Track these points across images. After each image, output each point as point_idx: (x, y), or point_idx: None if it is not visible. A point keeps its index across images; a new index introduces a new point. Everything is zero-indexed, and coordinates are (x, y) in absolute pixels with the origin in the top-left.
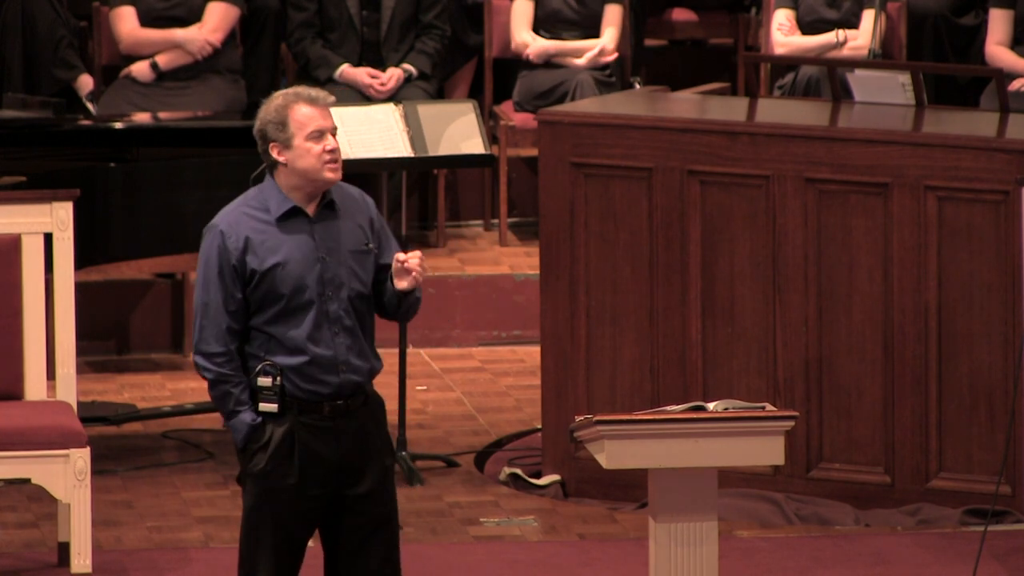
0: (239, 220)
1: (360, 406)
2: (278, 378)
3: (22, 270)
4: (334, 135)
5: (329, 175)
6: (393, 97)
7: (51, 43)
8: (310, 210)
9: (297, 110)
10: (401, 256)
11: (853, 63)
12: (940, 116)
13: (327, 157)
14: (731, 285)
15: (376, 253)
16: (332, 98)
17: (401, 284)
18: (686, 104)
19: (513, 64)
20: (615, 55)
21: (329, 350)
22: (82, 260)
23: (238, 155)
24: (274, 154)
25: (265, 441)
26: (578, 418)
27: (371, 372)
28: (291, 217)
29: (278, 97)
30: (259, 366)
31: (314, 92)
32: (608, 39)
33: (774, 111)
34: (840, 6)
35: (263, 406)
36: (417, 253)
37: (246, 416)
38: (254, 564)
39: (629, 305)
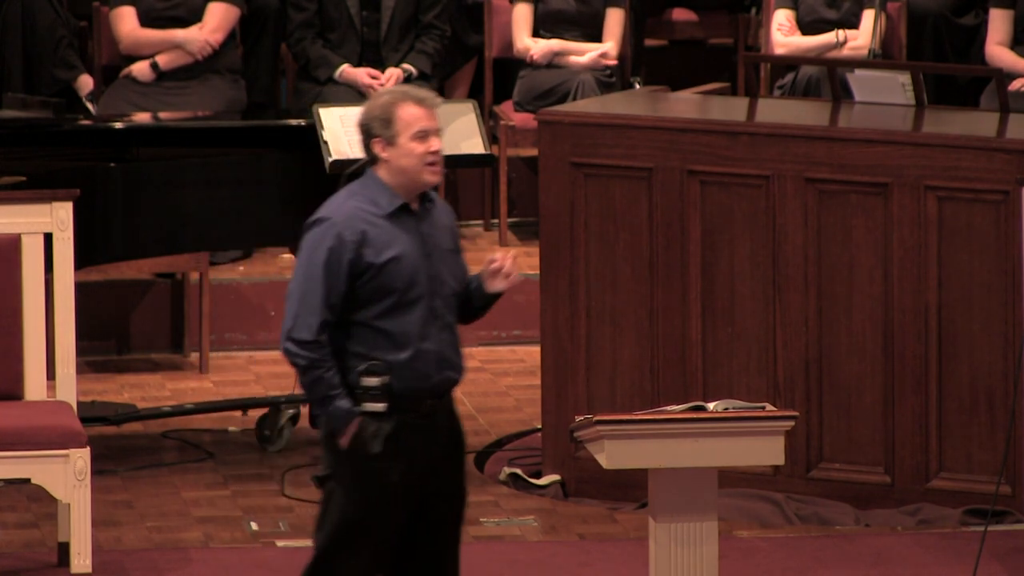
0: (353, 213)
1: (450, 404)
2: (385, 377)
3: (22, 270)
4: (438, 137)
5: (429, 177)
6: None
7: (51, 43)
8: (415, 206)
9: (404, 109)
10: (498, 257)
11: (853, 63)
12: (940, 116)
13: (430, 158)
14: (731, 285)
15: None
16: (440, 100)
17: (497, 286)
18: (686, 104)
19: (513, 64)
20: (615, 62)
21: (435, 346)
22: (82, 260)
23: (238, 155)
24: (377, 150)
25: (368, 440)
26: (578, 418)
27: (463, 371)
28: (400, 213)
29: (385, 94)
30: (365, 365)
31: (423, 93)
32: (610, 46)
33: (774, 111)
34: (840, 6)
35: (369, 406)
36: (511, 255)
37: (343, 403)
38: (341, 566)
39: (629, 305)
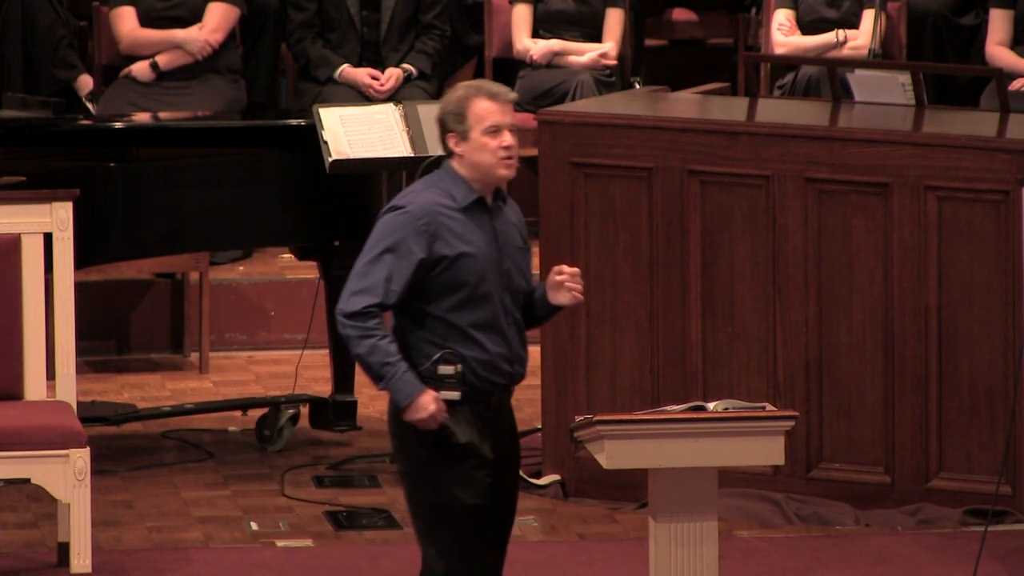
0: (428, 205)
1: (508, 396)
2: (459, 366)
3: (22, 270)
4: (512, 132)
5: (503, 171)
6: (393, 97)
7: (51, 43)
8: (489, 200)
9: (477, 103)
10: (564, 269)
11: (853, 63)
12: (940, 116)
13: (503, 153)
14: (731, 285)
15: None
16: (514, 95)
17: (560, 299)
18: (686, 104)
19: (513, 64)
20: (615, 62)
21: (505, 341)
22: (82, 260)
23: (238, 155)
24: (451, 144)
25: (448, 430)
26: (578, 418)
27: (526, 366)
28: (475, 208)
29: (460, 88)
30: (439, 354)
31: (496, 87)
32: (610, 46)
33: (774, 111)
34: (840, 6)
35: (444, 394)
36: (576, 270)
37: (406, 373)
38: (454, 554)
39: (629, 305)
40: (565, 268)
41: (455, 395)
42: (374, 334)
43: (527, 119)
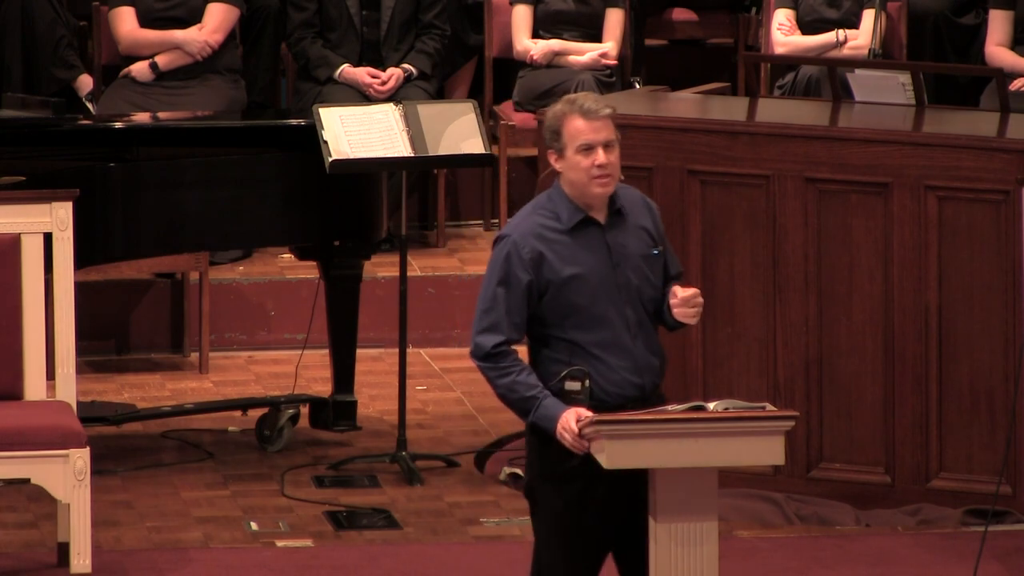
0: (532, 231)
1: (654, 407)
2: (586, 381)
3: (22, 270)
4: (607, 149)
5: (596, 189)
6: (393, 97)
7: (51, 43)
8: (600, 217)
9: (570, 122)
10: (681, 294)
11: (853, 63)
12: (940, 116)
13: (595, 172)
14: (731, 285)
15: (664, 258)
16: (608, 110)
17: (686, 319)
18: (686, 104)
19: (513, 64)
20: (615, 62)
21: (631, 355)
22: (82, 260)
23: (238, 155)
24: (552, 161)
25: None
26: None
27: (659, 375)
28: (583, 227)
29: (560, 103)
30: (566, 371)
31: (590, 104)
32: (610, 46)
33: (774, 111)
34: (840, 6)
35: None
36: (695, 291)
37: (542, 396)
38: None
39: None
40: (678, 292)
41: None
42: (510, 371)
43: (527, 119)
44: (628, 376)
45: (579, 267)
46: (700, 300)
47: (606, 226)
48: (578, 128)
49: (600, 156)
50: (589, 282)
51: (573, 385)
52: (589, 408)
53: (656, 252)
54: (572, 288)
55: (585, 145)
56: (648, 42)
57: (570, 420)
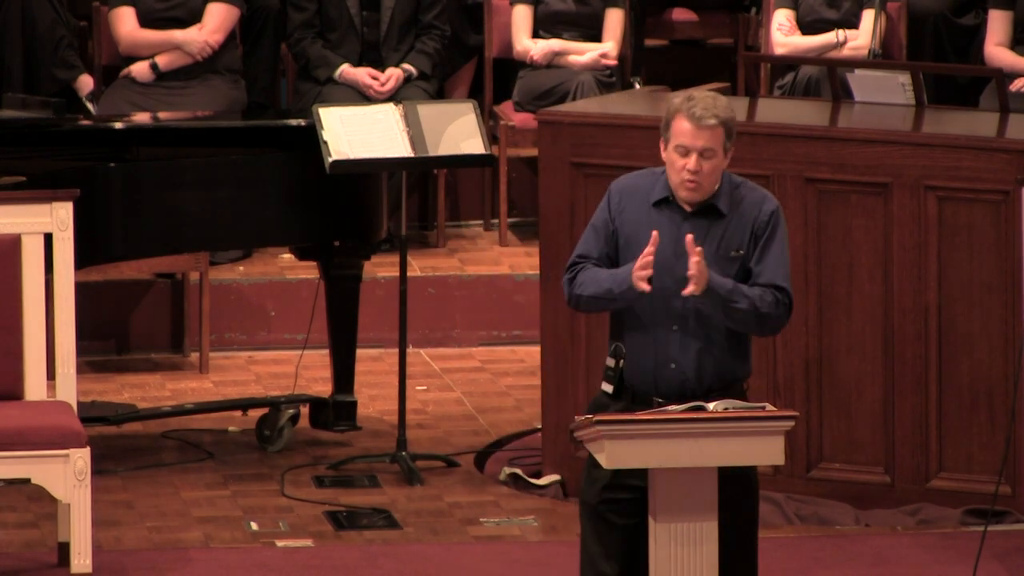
0: (631, 189)
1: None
2: (621, 361)
3: (22, 270)
4: (704, 156)
5: (683, 192)
6: (393, 97)
7: (51, 43)
8: (687, 206)
9: (679, 120)
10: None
11: (853, 63)
12: (940, 116)
13: (685, 175)
14: None
15: (744, 260)
16: (715, 121)
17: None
18: None
19: (513, 64)
20: (615, 62)
21: (661, 345)
22: (82, 260)
23: (238, 155)
24: (661, 147)
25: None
26: (578, 418)
27: (712, 375)
28: (665, 205)
29: (678, 96)
30: (614, 345)
31: (699, 109)
32: (610, 46)
33: (774, 111)
34: (840, 6)
35: (603, 385)
36: (691, 256)
37: (605, 272)
38: (586, 548)
39: None
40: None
41: (608, 388)
42: (580, 271)
43: (527, 119)
44: (650, 367)
45: (645, 236)
46: (695, 266)
47: (691, 214)
48: (682, 129)
49: (692, 162)
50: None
51: (609, 361)
52: (614, 388)
53: (735, 255)
54: (633, 251)
55: (683, 147)
56: (648, 42)
57: (632, 273)
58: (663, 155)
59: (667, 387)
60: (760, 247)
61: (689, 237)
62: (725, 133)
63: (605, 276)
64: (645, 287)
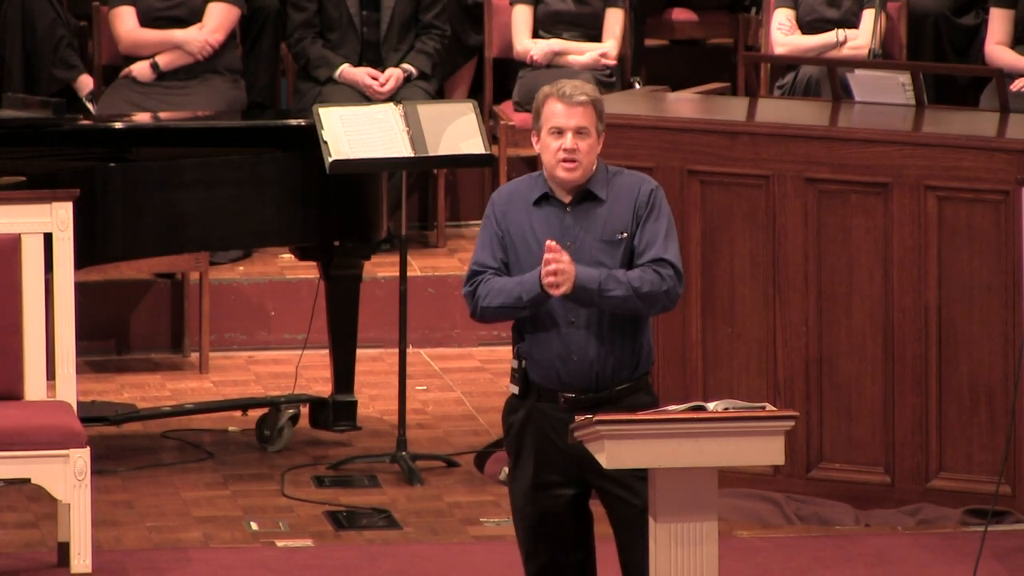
0: (510, 194)
1: (604, 402)
2: (523, 361)
3: (22, 270)
4: (578, 135)
5: (561, 173)
6: (393, 97)
7: (51, 43)
8: (566, 198)
9: (549, 104)
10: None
11: (853, 63)
12: (940, 116)
13: (561, 155)
14: (731, 285)
15: (631, 241)
16: (586, 97)
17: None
18: (686, 104)
19: (513, 64)
20: (615, 62)
21: (560, 340)
22: (82, 260)
23: (238, 155)
24: (533, 141)
25: (509, 425)
26: (578, 418)
27: (615, 364)
28: (544, 203)
29: (547, 86)
30: (515, 347)
31: (569, 88)
32: (610, 46)
33: (774, 111)
34: (840, 6)
35: (510, 387)
36: (559, 257)
37: (502, 279)
38: (521, 549)
39: None
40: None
41: (515, 389)
42: (480, 283)
43: (527, 119)
44: (554, 363)
45: (530, 235)
46: (559, 267)
47: (570, 206)
48: (553, 111)
49: (568, 141)
50: (534, 253)
51: (514, 363)
52: (520, 387)
53: (620, 238)
54: (518, 256)
55: (556, 128)
56: (648, 42)
57: (539, 274)
58: (536, 146)
59: (571, 380)
60: (641, 225)
61: (549, 242)
62: (596, 113)
63: (512, 285)
64: (557, 292)
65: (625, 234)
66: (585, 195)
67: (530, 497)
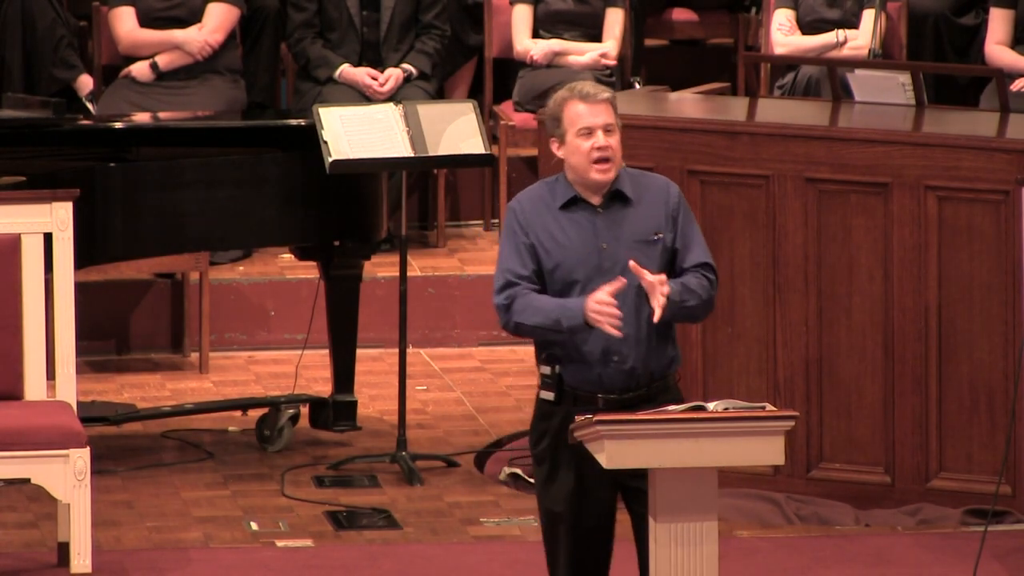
0: (530, 200)
1: (642, 401)
2: (556, 367)
3: (22, 270)
4: (607, 132)
5: (596, 176)
6: (393, 97)
7: (51, 43)
8: (595, 200)
9: (570, 107)
10: (649, 277)
11: (853, 63)
12: (940, 116)
13: (595, 155)
14: (731, 285)
15: (666, 242)
16: (607, 93)
17: (654, 301)
18: (686, 104)
19: (513, 64)
20: (615, 62)
21: (599, 340)
22: (82, 260)
23: (238, 155)
24: (553, 148)
25: (543, 431)
26: (578, 418)
27: (653, 364)
28: (573, 206)
29: (561, 91)
30: (543, 353)
31: (590, 88)
32: (610, 46)
33: (774, 111)
34: (840, 6)
35: (542, 393)
36: (659, 278)
37: (547, 300)
38: (549, 553)
39: None
40: (651, 278)
41: (549, 396)
42: (518, 297)
43: (527, 119)
44: (596, 366)
45: (559, 243)
46: (662, 289)
47: (600, 208)
48: (578, 112)
49: (600, 139)
50: (568, 260)
51: (545, 369)
52: (555, 394)
53: (656, 238)
54: (553, 258)
55: (585, 129)
56: (648, 42)
57: (591, 306)
58: (560, 153)
59: (612, 382)
60: (681, 229)
61: (632, 264)
62: (615, 109)
63: (552, 307)
64: (616, 333)
65: (660, 235)
66: (614, 196)
67: (574, 503)
